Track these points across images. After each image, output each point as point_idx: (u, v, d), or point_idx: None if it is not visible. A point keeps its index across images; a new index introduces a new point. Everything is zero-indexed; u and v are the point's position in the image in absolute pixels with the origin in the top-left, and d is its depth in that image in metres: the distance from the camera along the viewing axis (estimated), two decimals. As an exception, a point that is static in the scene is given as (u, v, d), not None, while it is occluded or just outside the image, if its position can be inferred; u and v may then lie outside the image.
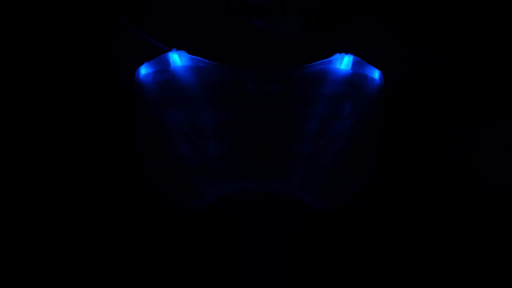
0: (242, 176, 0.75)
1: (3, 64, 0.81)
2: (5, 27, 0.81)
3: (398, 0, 0.81)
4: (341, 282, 0.78)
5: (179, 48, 0.75)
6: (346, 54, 0.74)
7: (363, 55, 0.75)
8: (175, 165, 0.75)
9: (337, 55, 0.75)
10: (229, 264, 0.78)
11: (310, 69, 0.74)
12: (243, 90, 0.74)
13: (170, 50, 0.74)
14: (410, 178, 0.80)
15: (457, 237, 0.79)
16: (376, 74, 0.76)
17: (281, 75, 0.74)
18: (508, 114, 0.79)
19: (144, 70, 0.75)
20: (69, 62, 0.81)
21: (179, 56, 0.74)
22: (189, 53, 0.75)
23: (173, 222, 0.78)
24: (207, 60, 0.74)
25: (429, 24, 0.81)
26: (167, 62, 0.74)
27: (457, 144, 0.79)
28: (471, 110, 0.80)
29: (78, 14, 0.81)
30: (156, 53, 0.75)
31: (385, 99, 0.76)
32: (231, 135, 0.74)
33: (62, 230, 0.78)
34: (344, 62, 0.74)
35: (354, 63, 0.75)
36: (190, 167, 0.75)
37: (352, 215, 0.78)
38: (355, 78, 0.74)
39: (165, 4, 0.81)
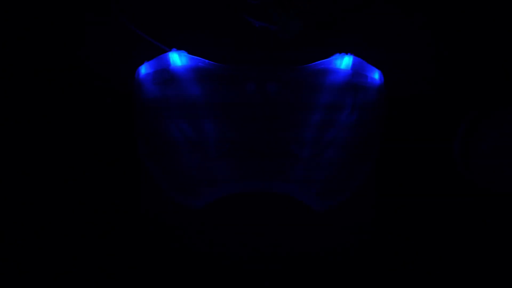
0: (242, 176, 0.75)
1: (2, 64, 0.80)
2: (4, 26, 0.81)
3: (398, 1, 0.81)
4: (340, 280, 0.78)
5: (179, 48, 0.75)
6: (346, 54, 0.74)
7: (363, 55, 0.75)
8: (175, 164, 0.75)
9: (337, 55, 0.75)
10: (229, 263, 0.78)
11: (310, 69, 0.74)
12: (243, 90, 0.74)
13: (170, 50, 0.74)
14: (410, 178, 0.80)
15: (457, 236, 0.79)
16: (376, 74, 0.76)
17: (281, 75, 0.74)
18: (506, 113, 0.79)
19: (144, 70, 0.75)
20: (69, 62, 0.81)
21: (179, 56, 0.74)
22: (189, 53, 0.75)
23: (174, 221, 0.78)
24: (207, 60, 0.74)
25: (429, 24, 0.82)
26: (167, 62, 0.74)
27: (457, 144, 0.79)
28: (470, 110, 0.80)
29: (78, 14, 0.81)
30: (156, 53, 0.75)
31: (385, 99, 0.76)
32: (231, 135, 0.74)
33: (64, 229, 0.78)
34: (344, 62, 0.74)
35: (354, 63, 0.75)
36: (191, 167, 0.75)
37: (352, 214, 0.78)
38: (355, 78, 0.74)
39: (165, 4, 0.81)
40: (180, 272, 0.78)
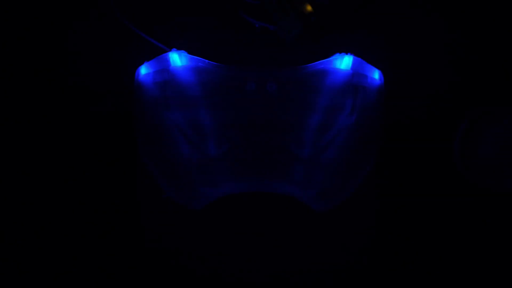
0: (242, 176, 0.75)
1: (2, 65, 0.80)
2: (4, 27, 0.81)
3: (397, 1, 0.81)
4: (339, 280, 0.78)
5: (179, 48, 0.75)
6: (346, 54, 0.74)
7: (363, 55, 0.75)
8: (175, 165, 0.75)
9: (337, 55, 0.75)
10: (229, 264, 0.78)
11: (310, 69, 0.74)
12: (243, 90, 0.74)
13: (170, 50, 0.74)
14: (410, 178, 0.80)
15: (457, 236, 0.79)
16: (376, 74, 0.76)
17: (281, 75, 0.74)
18: (507, 114, 0.79)
19: (144, 70, 0.75)
20: (69, 62, 0.81)
21: (179, 56, 0.74)
22: (189, 53, 0.75)
23: (174, 222, 0.78)
24: (207, 60, 0.74)
25: (429, 24, 0.82)
26: (167, 62, 0.74)
27: (457, 144, 0.79)
28: (470, 110, 0.80)
29: (79, 14, 0.81)
30: (156, 53, 0.75)
31: (385, 99, 0.76)
32: (231, 135, 0.74)
33: (64, 229, 0.78)
34: (344, 62, 0.74)
35: (354, 63, 0.75)
36: (190, 167, 0.75)
37: (352, 214, 0.78)
38: (355, 78, 0.74)
39: (165, 4, 0.81)
40: (179, 272, 0.78)
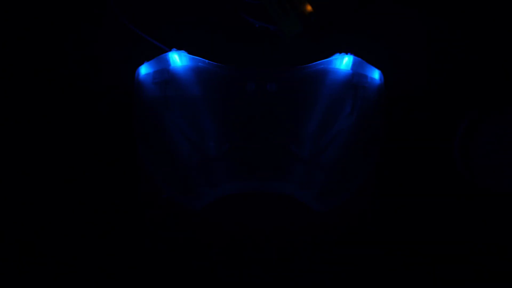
0: (242, 177, 0.75)
1: (2, 65, 0.81)
2: (4, 27, 0.81)
3: (397, 1, 0.81)
4: (339, 280, 0.78)
5: (179, 48, 0.75)
6: (346, 54, 0.74)
7: (363, 55, 0.75)
8: (175, 165, 0.75)
9: (337, 55, 0.75)
10: (229, 264, 0.78)
11: (310, 69, 0.74)
12: (243, 90, 0.74)
13: (170, 50, 0.74)
14: (410, 178, 0.80)
15: (457, 236, 0.79)
16: (376, 74, 0.76)
17: (281, 75, 0.74)
18: (506, 113, 0.79)
19: (144, 70, 0.75)
20: (69, 62, 0.81)
21: (179, 56, 0.74)
22: (189, 53, 0.75)
23: (174, 222, 0.78)
24: (207, 60, 0.74)
25: (430, 24, 0.82)
26: (167, 62, 0.74)
27: (457, 144, 0.79)
28: (470, 110, 0.80)
29: (78, 14, 0.81)
30: (156, 53, 0.75)
31: (385, 99, 0.76)
32: (231, 135, 0.74)
33: (64, 229, 0.78)
34: (344, 62, 0.74)
35: (354, 63, 0.75)
36: (190, 167, 0.75)
37: (352, 214, 0.78)
38: (355, 78, 0.74)
39: (165, 4, 0.81)
40: (179, 272, 0.78)
